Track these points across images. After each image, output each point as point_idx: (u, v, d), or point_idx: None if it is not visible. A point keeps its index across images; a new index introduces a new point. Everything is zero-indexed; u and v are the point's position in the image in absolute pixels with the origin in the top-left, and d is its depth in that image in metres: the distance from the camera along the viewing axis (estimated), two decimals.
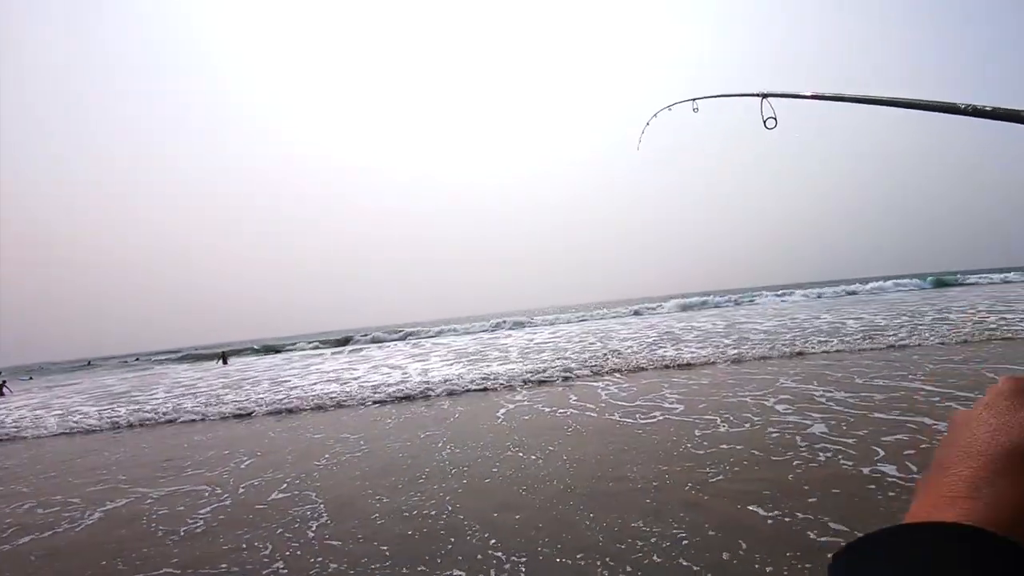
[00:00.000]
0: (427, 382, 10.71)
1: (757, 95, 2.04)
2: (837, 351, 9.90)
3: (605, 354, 12.60)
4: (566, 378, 9.84)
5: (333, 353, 28.41)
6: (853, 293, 33.58)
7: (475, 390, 9.53)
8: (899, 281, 38.71)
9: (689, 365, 9.86)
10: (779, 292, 40.88)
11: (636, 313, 35.29)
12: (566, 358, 12.58)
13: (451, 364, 14.38)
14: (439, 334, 35.11)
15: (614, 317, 33.42)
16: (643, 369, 10.03)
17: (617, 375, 9.73)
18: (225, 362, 31.15)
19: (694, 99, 2.76)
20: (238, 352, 43.14)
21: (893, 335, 10.97)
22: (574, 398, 8.01)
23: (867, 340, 10.72)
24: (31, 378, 44.33)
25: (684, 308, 33.91)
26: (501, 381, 9.90)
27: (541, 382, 9.71)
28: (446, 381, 10.46)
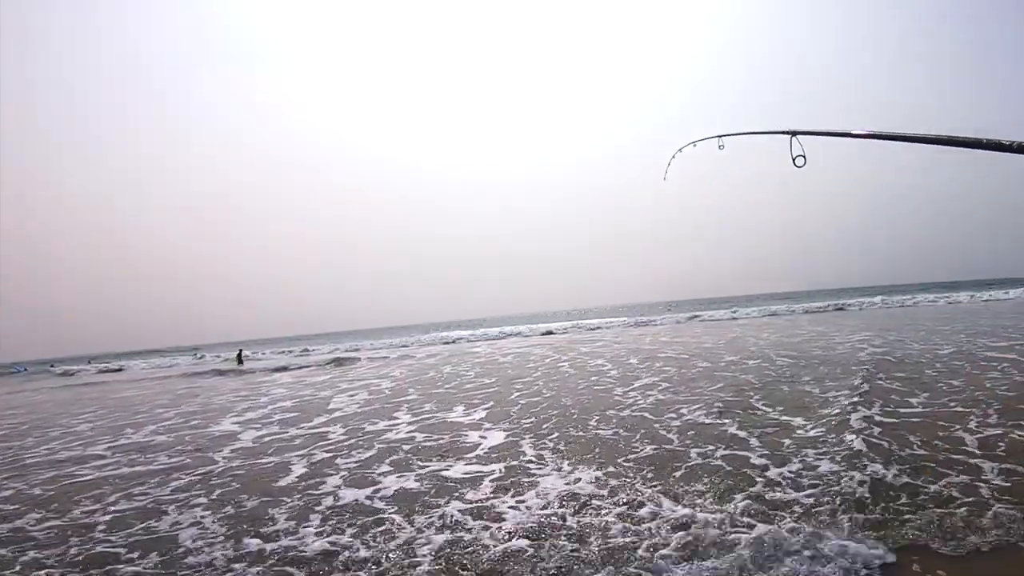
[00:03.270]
0: None
1: (786, 132, 1.93)
2: None
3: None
4: None
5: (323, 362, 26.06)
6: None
7: None
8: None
9: None
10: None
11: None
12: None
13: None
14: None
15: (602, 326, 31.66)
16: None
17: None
18: (240, 362, 29.56)
19: (720, 136, 2.63)
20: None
21: None
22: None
23: None
24: (25, 370, 42.26)
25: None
26: None
27: None
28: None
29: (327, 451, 6.52)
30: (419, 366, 17.41)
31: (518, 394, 9.70)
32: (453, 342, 30.85)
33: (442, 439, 6.63)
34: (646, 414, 7.07)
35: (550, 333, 31.00)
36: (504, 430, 6.80)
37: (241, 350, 33.39)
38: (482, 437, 6.52)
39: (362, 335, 55.61)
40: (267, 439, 7.64)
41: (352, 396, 11.37)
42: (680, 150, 3.33)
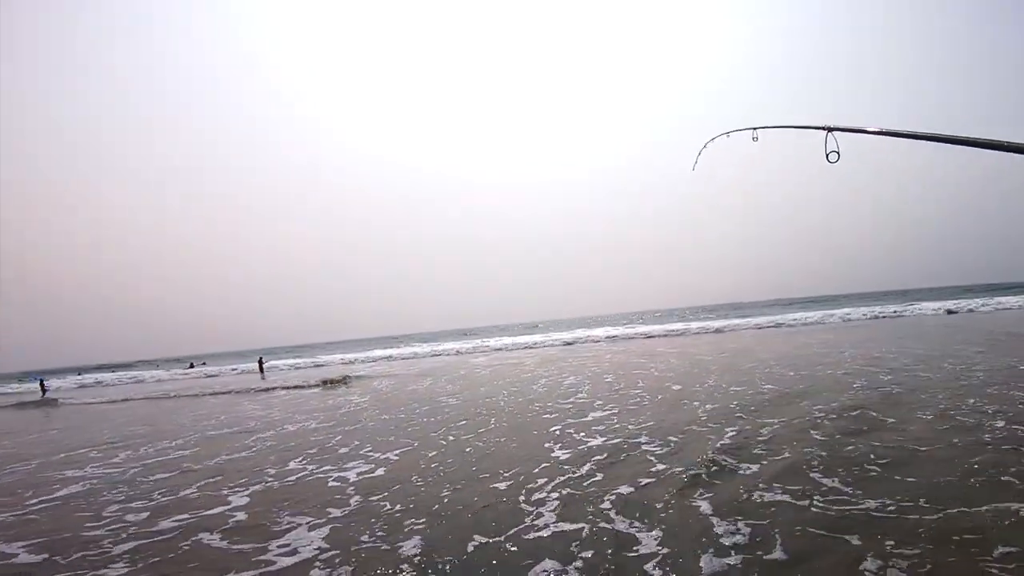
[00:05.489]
0: None
1: (822, 128, 1.93)
2: None
3: None
4: None
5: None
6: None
7: None
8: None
9: None
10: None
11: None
12: None
13: None
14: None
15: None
16: None
17: None
18: (262, 370, 29.33)
19: (754, 128, 2.51)
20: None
21: None
22: None
23: None
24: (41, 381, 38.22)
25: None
26: None
27: None
28: None
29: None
30: (401, 383, 16.15)
31: (447, 431, 7.72)
32: (456, 353, 29.34)
33: (238, 546, 4.03)
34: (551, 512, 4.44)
35: (543, 345, 28.69)
36: (339, 520, 4.31)
37: (261, 358, 33.09)
38: (282, 548, 3.88)
39: (377, 343, 54.42)
40: (53, 501, 5.64)
41: (296, 424, 9.80)
42: (712, 139, 3.12)
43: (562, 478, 4.91)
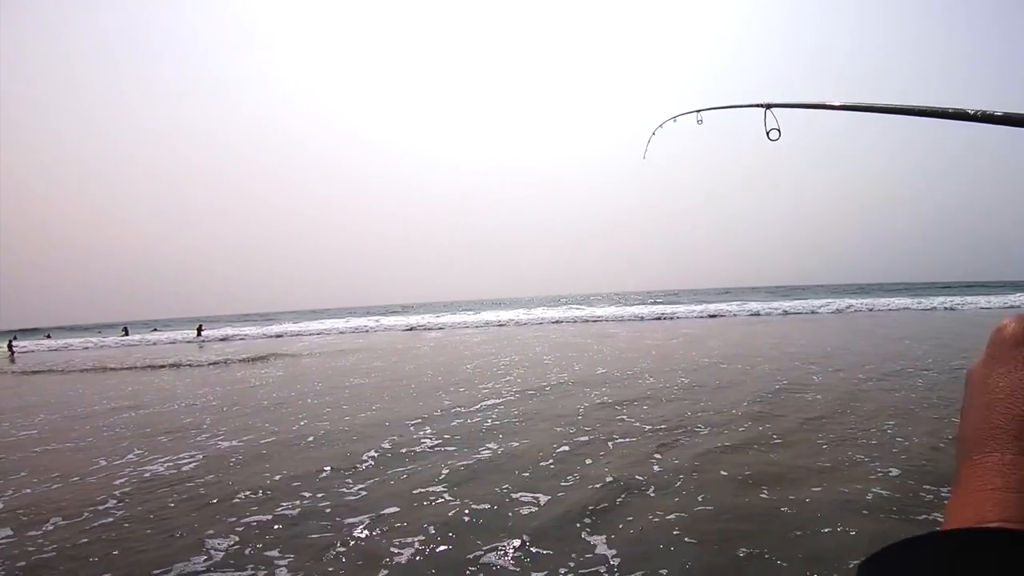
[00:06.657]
0: None
1: (760, 106, 1.79)
2: None
3: None
4: None
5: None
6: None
7: None
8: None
9: None
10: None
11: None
12: None
13: None
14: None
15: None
16: None
17: None
18: (199, 334, 29.11)
19: (698, 111, 2.45)
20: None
21: None
22: None
23: None
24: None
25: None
26: None
27: None
28: None
29: None
30: (328, 359, 15.31)
31: (314, 416, 7.14)
32: (410, 329, 28.53)
33: None
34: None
35: (508, 323, 27.92)
36: (28, 545, 3.49)
37: (201, 325, 31.87)
38: None
39: (334, 313, 53.65)
40: None
41: (183, 402, 9.00)
42: (660, 125, 2.88)
43: (332, 490, 4.17)
